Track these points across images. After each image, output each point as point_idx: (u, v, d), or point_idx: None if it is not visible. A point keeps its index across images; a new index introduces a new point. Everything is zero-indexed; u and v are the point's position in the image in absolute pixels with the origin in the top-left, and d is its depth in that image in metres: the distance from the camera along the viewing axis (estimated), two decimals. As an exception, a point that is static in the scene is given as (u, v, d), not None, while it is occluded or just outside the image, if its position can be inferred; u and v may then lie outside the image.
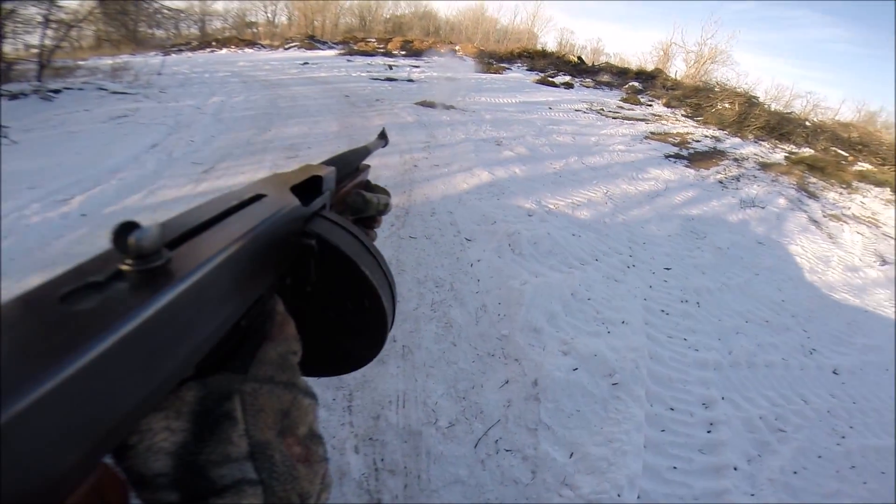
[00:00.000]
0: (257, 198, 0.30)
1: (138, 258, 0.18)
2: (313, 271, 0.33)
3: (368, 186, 0.54)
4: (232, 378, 0.24)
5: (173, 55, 12.59)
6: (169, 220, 0.24)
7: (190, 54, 13.80)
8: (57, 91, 6.03)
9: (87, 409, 0.15)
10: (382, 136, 0.66)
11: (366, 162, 0.56)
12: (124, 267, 0.18)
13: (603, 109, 9.30)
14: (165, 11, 9.20)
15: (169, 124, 5.12)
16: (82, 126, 4.75)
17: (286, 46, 16.42)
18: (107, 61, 8.19)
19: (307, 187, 0.36)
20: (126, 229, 0.18)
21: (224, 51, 15.11)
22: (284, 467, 0.23)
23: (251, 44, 16.79)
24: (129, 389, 0.17)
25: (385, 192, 0.54)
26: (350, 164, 0.51)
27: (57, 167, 3.57)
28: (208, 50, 15.23)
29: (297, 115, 6.08)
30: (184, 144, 4.51)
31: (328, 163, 0.44)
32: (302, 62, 11.99)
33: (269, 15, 27.76)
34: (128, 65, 7.96)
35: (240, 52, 14.98)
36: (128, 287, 0.17)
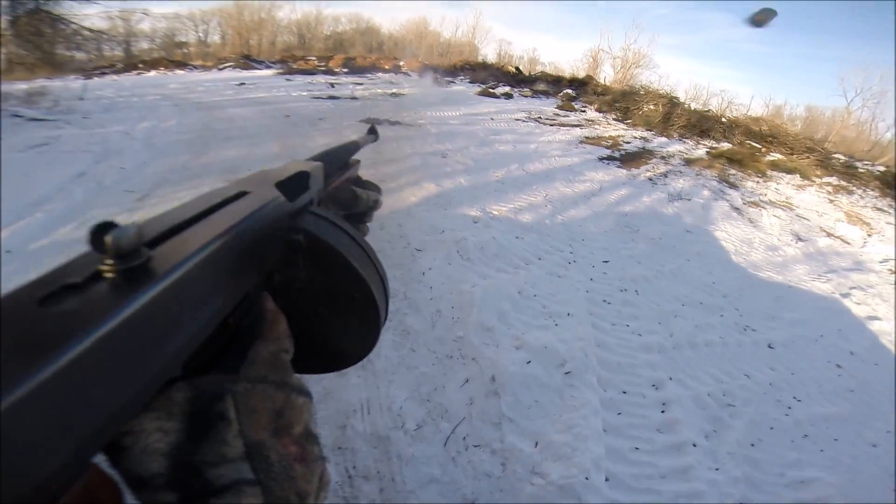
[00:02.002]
0: (241, 195, 0.29)
1: (117, 258, 0.18)
2: (302, 267, 0.33)
3: (359, 182, 0.54)
4: (223, 378, 0.24)
5: (96, 78, 11.78)
6: (151, 218, 0.23)
7: (115, 77, 13.00)
8: (-38, 119, 5.53)
9: (70, 410, 0.14)
10: (372, 131, 0.64)
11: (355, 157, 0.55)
12: (103, 267, 0.18)
13: (541, 118, 9.70)
14: (86, 32, 8.63)
15: (96, 151, 4.81)
16: (-3, 156, 4.40)
17: (220, 67, 15.87)
18: (20, 86, 7.59)
19: (294, 183, 0.36)
20: (103, 229, 0.18)
21: (153, 73, 14.38)
22: (281, 467, 0.23)
23: (182, 65, 16.07)
24: (113, 389, 0.16)
25: (376, 187, 0.55)
26: (339, 160, 0.50)
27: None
28: (135, 72, 14.42)
29: (235, 137, 5.90)
30: (114, 172, 4.27)
31: (315, 158, 0.44)
32: (238, 83, 11.62)
33: (201, 34, 26.73)
34: (45, 89, 7.35)
35: (170, 73, 14.29)
36: (107, 287, 0.17)
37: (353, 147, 0.55)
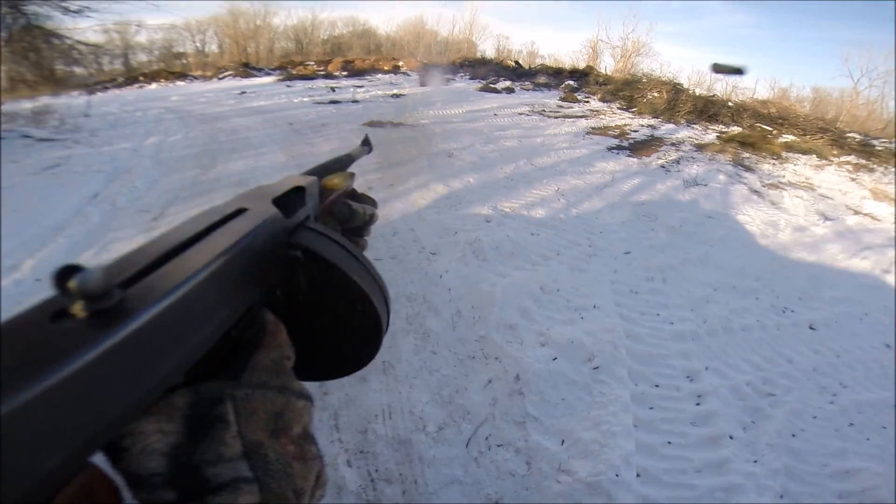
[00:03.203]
0: (239, 212, 0.30)
1: (86, 301, 0.18)
2: (303, 282, 0.34)
3: (354, 196, 0.54)
4: (223, 384, 0.24)
5: (99, 94, 11.92)
6: (155, 238, 0.24)
7: (117, 91, 13.14)
8: (-26, 142, 5.57)
9: (69, 416, 0.15)
10: (366, 143, 0.65)
11: (350, 170, 0.55)
12: (75, 310, 0.18)
13: (544, 110, 9.61)
14: (82, 47, 8.69)
15: (107, 171, 4.85)
16: (13, 180, 4.42)
17: (220, 76, 15.94)
18: (25, 105, 7.67)
19: (290, 199, 0.36)
20: (63, 275, 0.18)
21: (154, 85, 14.49)
22: (279, 465, 0.24)
23: (182, 76, 16.16)
24: (114, 397, 0.17)
25: (372, 201, 0.54)
26: (333, 174, 0.50)
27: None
28: (136, 85, 14.56)
29: (241, 148, 5.92)
30: (126, 191, 4.29)
31: (310, 173, 0.44)
32: (239, 91, 11.67)
33: (198, 44, 26.91)
34: (50, 107, 7.43)
35: (171, 85, 14.40)
36: (96, 318, 0.18)
37: (347, 160, 0.56)
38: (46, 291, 0.18)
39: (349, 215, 0.46)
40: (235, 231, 0.27)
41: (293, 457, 0.25)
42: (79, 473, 0.17)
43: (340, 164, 0.53)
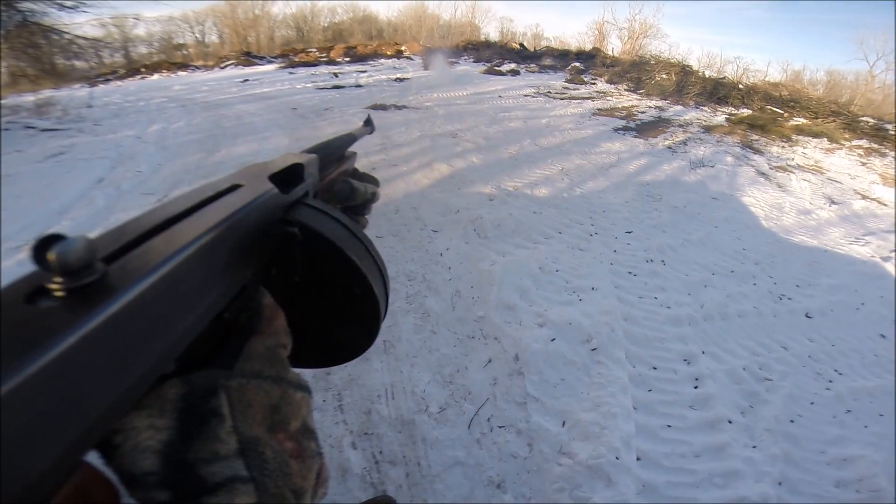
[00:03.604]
0: (234, 188, 0.29)
1: (64, 275, 0.16)
2: (299, 260, 0.32)
3: (355, 174, 0.53)
4: (216, 374, 0.23)
5: (101, 86, 11.94)
6: (143, 213, 0.23)
7: (119, 83, 13.13)
8: (-21, 134, 5.64)
9: (57, 407, 0.14)
10: (368, 123, 0.63)
11: (352, 149, 0.55)
12: (53, 285, 0.16)
13: (550, 92, 9.48)
14: (81, 41, 8.69)
15: (111, 157, 4.88)
16: (18, 168, 4.48)
17: (222, 66, 15.86)
18: (28, 98, 7.72)
19: (288, 175, 0.35)
20: (41, 246, 0.17)
21: (156, 76, 14.45)
22: (276, 464, 0.23)
23: (183, 66, 16.11)
24: (101, 386, 0.16)
25: (373, 179, 0.53)
26: (335, 152, 0.50)
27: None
28: (138, 77, 14.54)
29: (245, 133, 5.91)
30: (131, 176, 4.32)
31: (310, 150, 0.43)
32: (241, 80, 11.61)
33: (198, 35, 26.75)
34: (52, 100, 7.50)
35: (173, 76, 14.34)
36: (83, 292, 0.17)
37: (349, 139, 0.55)
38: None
39: (350, 193, 0.45)
40: (228, 206, 0.26)
41: (291, 454, 0.24)
42: (74, 473, 0.16)
43: (342, 143, 0.52)
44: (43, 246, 0.16)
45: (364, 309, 0.35)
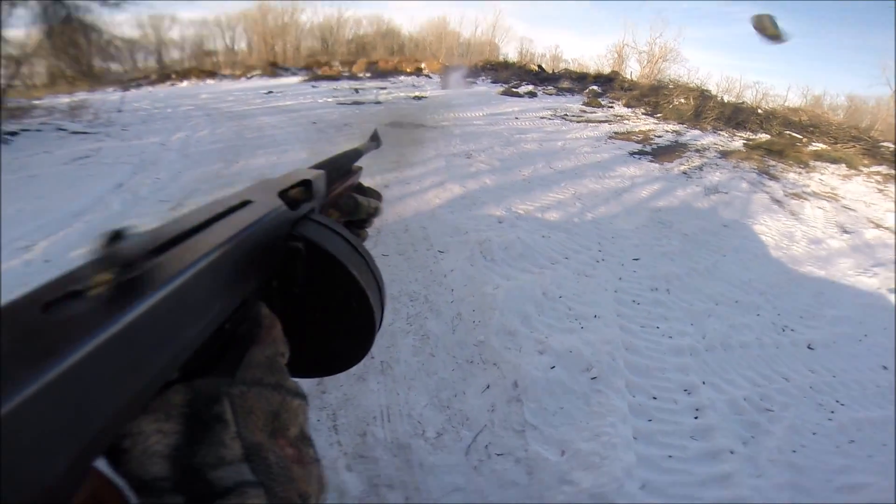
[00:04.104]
0: (244, 204, 0.30)
1: (118, 268, 0.18)
2: (301, 273, 0.33)
3: (360, 189, 0.54)
4: (219, 381, 0.24)
5: (133, 90, 12.35)
6: (157, 227, 0.24)
7: (150, 88, 13.58)
8: (14, 133, 5.86)
9: (71, 414, 0.15)
10: (375, 138, 0.64)
11: (358, 164, 0.56)
12: (104, 277, 0.18)
13: (567, 115, 9.52)
14: (118, 42, 9.00)
15: (134, 163, 5.03)
16: (43, 169, 4.65)
17: (248, 76, 16.32)
18: (63, 99, 8.00)
19: (296, 192, 0.36)
20: (112, 239, 0.18)
21: (185, 83, 14.91)
22: (280, 468, 0.23)
23: (212, 74, 16.63)
24: (113, 393, 0.17)
25: (377, 194, 0.54)
26: (341, 167, 0.51)
27: (18, 213, 3.49)
28: (168, 83, 15.04)
29: (265, 145, 6.04)
30: (150, 182, 4.45)
31: (318, 166, 0.44)
32: (266, 91, 11.90)
33: (228, 41, 27.47)
34: (86, 102, 7.79)
35: (201, 83, 14.79)
36: (108, 296, 0.18)
37: (356, 154, 0.56)
38: (55, 272, 0.18)
39: (354, 208, 0.46)
40: (238, 222, 0.27)
41: (292, 460, 0.24)
42: (85, 479, 0.16)
43: (349, 159, 0.53)
44: (115, 238, 0.18)
45: (360, 322, 0.36)
